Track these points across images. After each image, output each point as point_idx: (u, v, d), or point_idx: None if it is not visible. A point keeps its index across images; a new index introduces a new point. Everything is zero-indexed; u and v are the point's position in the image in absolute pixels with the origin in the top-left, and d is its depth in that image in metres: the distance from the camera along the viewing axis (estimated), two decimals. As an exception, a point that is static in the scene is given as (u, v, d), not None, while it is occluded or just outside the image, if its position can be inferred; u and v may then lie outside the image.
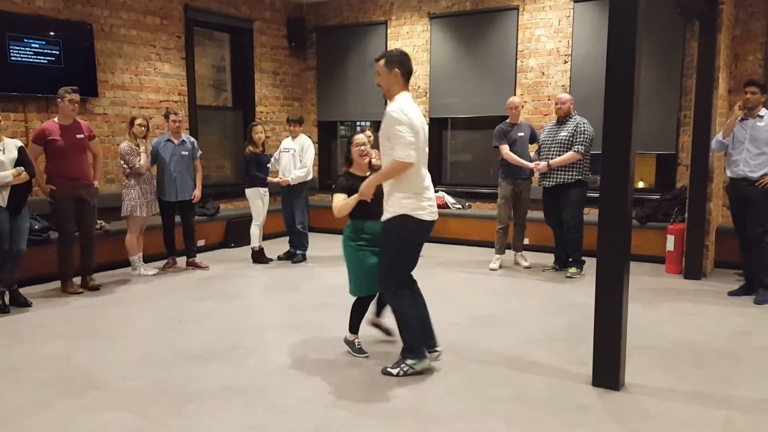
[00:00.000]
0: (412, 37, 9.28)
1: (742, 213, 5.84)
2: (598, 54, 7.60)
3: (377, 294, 4.29)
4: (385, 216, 3.84)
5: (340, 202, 4.01)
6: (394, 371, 3.89)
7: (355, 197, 3.93)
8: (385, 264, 3.89)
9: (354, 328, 4.29)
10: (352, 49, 9.82)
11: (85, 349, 4.47)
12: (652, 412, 3.43)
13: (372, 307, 4.38)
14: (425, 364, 3.93)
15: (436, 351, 4.08)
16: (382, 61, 3.88)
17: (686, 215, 6.67)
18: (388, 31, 9.46)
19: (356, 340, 4.28)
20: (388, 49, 9.37)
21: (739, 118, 5.74)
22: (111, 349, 4.47)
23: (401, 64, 3.85)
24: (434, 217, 3.89)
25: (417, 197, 3.80)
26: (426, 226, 3.85)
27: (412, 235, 3.85)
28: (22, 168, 5.33)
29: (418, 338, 3.94)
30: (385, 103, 4.00)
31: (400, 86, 3.87)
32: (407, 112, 3.75)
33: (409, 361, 3.90)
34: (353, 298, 4.22)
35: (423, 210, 3.80)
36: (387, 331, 4.50)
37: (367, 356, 4.20)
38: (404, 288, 3.92)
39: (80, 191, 5.97)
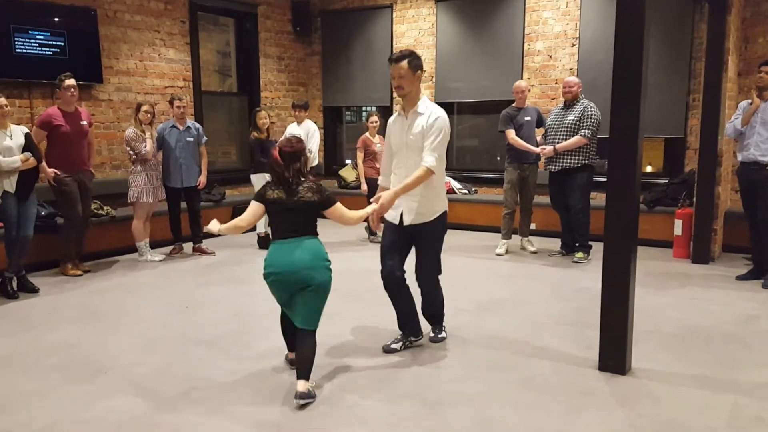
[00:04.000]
0: (417, 20, 9.20)
1: (752, 197, 5.79)
2: (606, 37, 7.51)
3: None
4: (430, 216, 3.94)
5: (357, 212, 3.69)
6: (442, 334, 4.27)
7: (372, 209, 3.73)
8: (438, 260, 4.12)
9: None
10: (357, 33, 9.75)
11: (92, 334, 4.49)
12: (659, 396, 3.42)
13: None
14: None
15: (420, 338, 4.25)
16: (404, 63, 3.77)
17: (694, 199, 6.62)
18: (394, 14, 9.38)
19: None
20: (395, 34, 9.33)
21: (759, 105, 5.65)
22: (118, 334, 4.49)
23: (422, 66, 3.89)
24: None
25: (444, 190, 4.11)
26: None
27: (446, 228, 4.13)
28: (29, 153, 5.36)
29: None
30: (391, 93, 4.01)
31: (419, 89, 3.92)
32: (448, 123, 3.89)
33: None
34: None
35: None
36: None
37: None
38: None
39: (80, 176, 6.06)
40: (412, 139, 3.82)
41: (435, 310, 4.28)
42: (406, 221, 3.93)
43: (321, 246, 3.52)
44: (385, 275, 3.98)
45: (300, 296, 3.43)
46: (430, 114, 3.82)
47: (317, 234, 3.57)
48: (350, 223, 3.71)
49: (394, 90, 3.98)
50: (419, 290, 4.13)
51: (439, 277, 4.19)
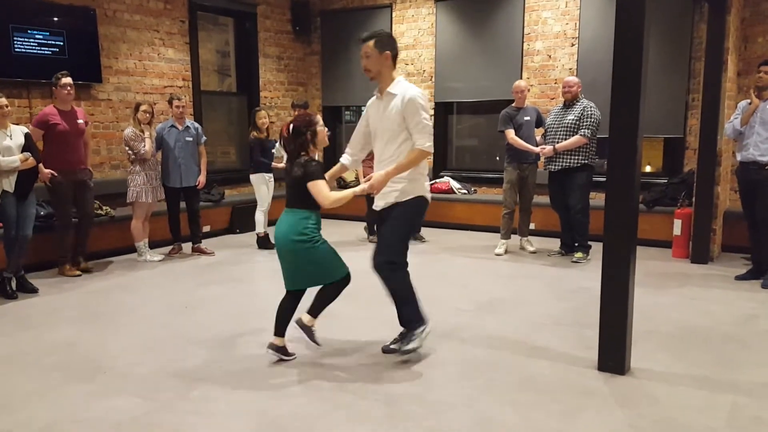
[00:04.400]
0: (417, 20, 9.20)
1: (751, 197, 5.80)
2: (605, 36, 7.52)
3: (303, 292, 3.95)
4: (403, 196, 3.77)
5: (337, 192, 3.71)
6: (415, 345, 3.88)
7: (360, 189, 3.75)
8: (398, 242, 3.84)
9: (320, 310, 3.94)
10: (356, 33, 9.68)
11: (92, 334, 4.49)
12: (659, 396, 3.42)
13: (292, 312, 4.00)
14: (429, 326, 3.99)
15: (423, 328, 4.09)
16: (371, 42, 3.72)
17: (693, 199, 6.62)
18: (393, 14, 9.39)
19: (314, 328, 3.95)
20: (394, 34, 9.32)
21: (759, 105, 5.66)
22: (118, 334, 4.49)
23: (392, 46, 3.77)
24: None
25: (426, 180, 3.92)
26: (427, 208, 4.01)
27: (423, 214, 3.97)
28: (29, 153, 5.36)
29: (417, 306, 3.94)
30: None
31: (390, 69, 3.79)
32: (425, 98, 3.75)
33: (418, 331, 3.90)
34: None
35: (429, 191, 3.96)
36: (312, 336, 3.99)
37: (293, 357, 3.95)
38: (405, 264, 3.90)
39: (79, 175, 6.07)
40: (387, 123, 3.75)
41: (398, 308, 3.93)
42: (379, 206, 3.88)
43: (301, 220, 3.71)
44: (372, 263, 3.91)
45: (281, 260, 3.82)
46: (404, 94, 3.70)
47: (307, 207, 3.71)
48: (326, 203, 3.65)
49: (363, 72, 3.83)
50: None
51: (405, 271, 3.88)
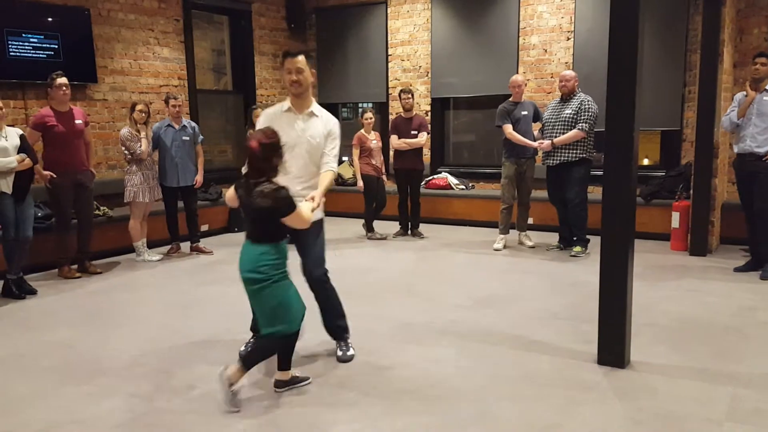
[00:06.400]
0: (412, 16, 9.18)
1: (748, 188, 5.80)
2: (601, 30, 7.50)
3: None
4: (318, 214, 3.70)
5: (308, 213, 3.37)
6: (351, 351, 3.97)
7: (316, 204, 3.48)
8: (322, 253, 3.92)
9: (288, 363, 3.55)
10: (352, 29, 9.72)
11: (90, 335, 4.48)
12: (658, 389, 3.43)
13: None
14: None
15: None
16: (302, 57, 3.72)
17: (691, 192, 6.62)
18: (389, 10, 9.36)
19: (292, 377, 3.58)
20: (389, 30, 9.31)
21: (755, 97, 5.66)
22: (116, 334, 4.48)
23: (313, 66, 3.85)
24: None
25: None
26: None
27: None
28: (25, 155, 5.34)
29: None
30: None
31: (311, 88, 3.87)
32: None
33: (349, 337, 4.04)
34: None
35: None
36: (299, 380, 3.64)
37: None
38: None
39: (79, 177, 6.02)
40: (312, 142, 3.77)
41: (337, 318, 4.03)
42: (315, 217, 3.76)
43: (259, 256, 3.26)
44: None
45: (250, 298, 3.45)
46: (327, 119, 3.85)
47: (268, 241, 3.28)
48: (306, 226, 3.41)
49: (288, 86, 3.78)
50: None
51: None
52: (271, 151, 3.22)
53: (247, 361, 3.36)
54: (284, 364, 3.52)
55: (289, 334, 3.41)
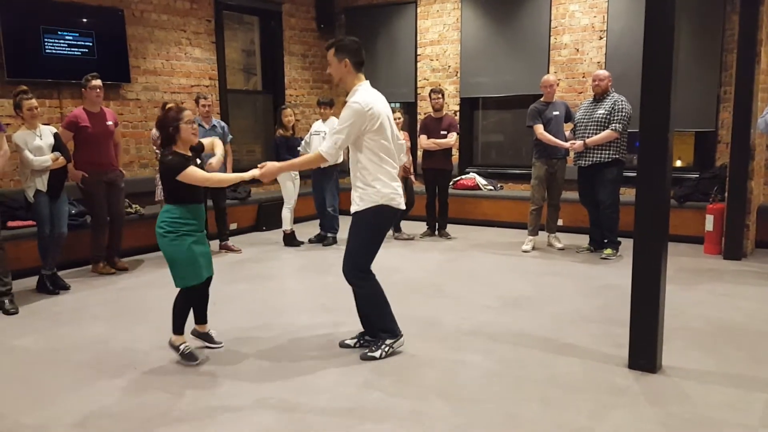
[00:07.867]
0: (442, 15, 9.15)
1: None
2: (634, 29, 7.40)
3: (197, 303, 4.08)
4: (361, 206, 3.74)
5: (217, 174, 4.00)
6: (377, 354, 3.89)
7: (251, 174, 3.76)
8: (359, 253, 3.84)
9: (180, 328, 3.94)
10: (381, 29, 9.73)
11: (122, 330, 4.56)
12: (691, 394, 3.36)
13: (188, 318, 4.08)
14: (401, 341, 4.00)
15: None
16: (331, 50, 3.73)
17: (726, 194, 6.49)
18: (418, 10, 9.34)
19: (183, 345, 3.93)
20: (419, 30, 9.30)
21: None
22: (148, 330, 4.54)
23: (351, 53, 3.72)
24: (404, 206, 3.94)
25: (393, 187, 3.79)
26: (396, 215, 3.93)
27: (387, 224, 3.90)
28: (59, 153, 5.44)
29: (391, 318, 3.98)
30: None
31: (353, 76, 3.77)
32: (372, 105, 3.66)
33: (388, 341, 3.94)
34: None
35: (399, 197, 3.83)
36: (211, 340, 4.18)
37: (198, 363, 3.86)
38: (371, 274, 3.91)
39: (110, 176, 6.12)
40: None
41: (366, 316, 4.02)
42: (351, 210, 3.85)
43: (162, 213, 3.78)
44: None
45: None
46: (351, 102, 3.70)
47: (171, 201, 3.77)
48: (207, 184, 3.81)
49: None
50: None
51: (372, 280, 3.90)
52: (161, 124, 3.75)
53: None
54: (177, 328, 3.91)
55: (184, 292, 3.85)
